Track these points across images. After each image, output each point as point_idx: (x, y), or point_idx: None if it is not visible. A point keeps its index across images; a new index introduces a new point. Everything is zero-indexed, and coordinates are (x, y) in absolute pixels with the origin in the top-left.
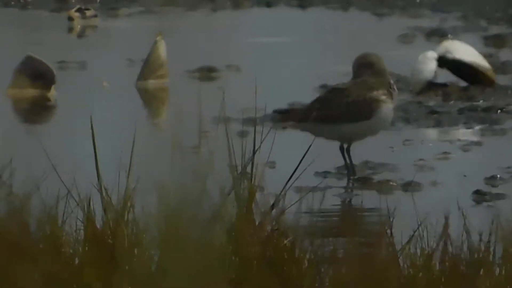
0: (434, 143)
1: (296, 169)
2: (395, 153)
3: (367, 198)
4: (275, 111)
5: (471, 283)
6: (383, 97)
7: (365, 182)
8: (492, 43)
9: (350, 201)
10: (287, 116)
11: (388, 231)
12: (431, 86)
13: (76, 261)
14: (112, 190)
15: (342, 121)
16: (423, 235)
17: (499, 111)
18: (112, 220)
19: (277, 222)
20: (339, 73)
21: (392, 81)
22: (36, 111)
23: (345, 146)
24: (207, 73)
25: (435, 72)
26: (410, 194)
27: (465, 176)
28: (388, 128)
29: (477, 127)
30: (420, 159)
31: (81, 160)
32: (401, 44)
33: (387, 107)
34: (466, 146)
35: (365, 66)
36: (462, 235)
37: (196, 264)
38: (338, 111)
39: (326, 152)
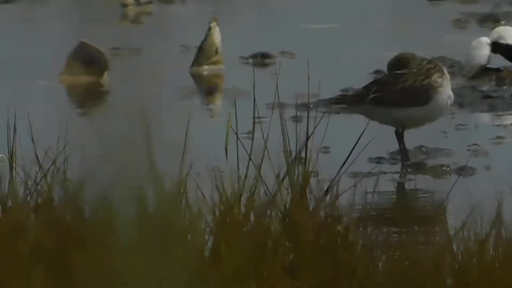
0: (488, 128)
1: (350, 154)
2: (448, 138)
3: (421, 183)
4: (330, 98)
5: None
6: (440, 81)
7: (418, 167)
8: None
9: (404, 186)
10: (343, 99)
11: (442, 216)
12: (484, 71)
13: (128, 249)
14: (166, 175)
15: (398, 105)
16: (477, 220)
17: None
18: (166, 206)
19: (331, 208)
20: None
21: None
22: (89, 97)
23: (400, 130)
24: (261, 60)
25: (489, 57)
26: (464, 179)
27: None
28: (446, 115)
29: None
30: (474, 144)
31: (135, 146)
32: (454, 30)
33: (445, 93)
34: None
35: (399, 66)
36: None
37: (251, 250)
38: (394, 95)
39: (380, 138)
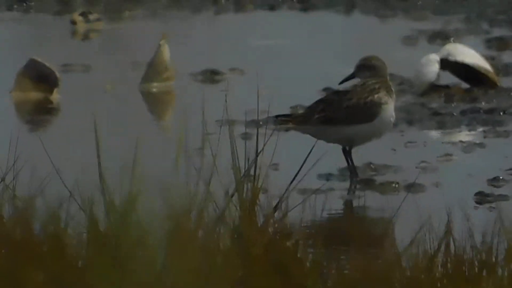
0: (436, 145)
1: (299, 171)
2: (397, 155)
3: (370, 200)
4: (277, 116)
5: (474, 284)
6: (385, 99)
7: (368, 184)
8: (494, 45)
9: (353, 203)
10: (289, 120)
11: (391, 232)
12: (433, 88)
13: (80, 264)
14: (115, 192)
15: (344, 123)
16: (425, 236)
17: (501, 113)
18: (116, 222)
19: (280, 224)
20: (343, 75)
21: (390, 83)
22: (39, 114)
23: (347, 148)
24: (211, 76)
25: (438, 74)
26: (413, 196)
27: (469, 175)
28: (391, 130)
29: (480, 129)
30: (423, 161)
31: (85, 163)
32: (404, 46)
33: (390, 109)
34: (469, 148)
35: (367, 69)
36: (465, 236)
37: (201, 266)
38: (339, 113)
39: (329, 154)
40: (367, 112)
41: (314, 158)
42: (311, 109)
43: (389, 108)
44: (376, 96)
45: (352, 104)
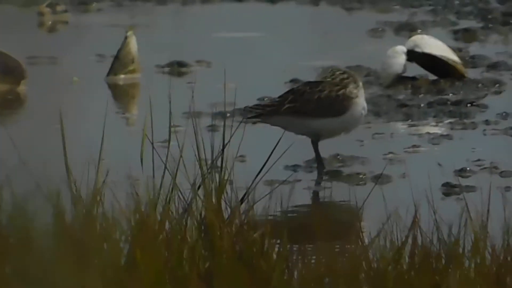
0: (403, 136)
1: (266, 162)
2: (365, 146)
3: (337, 191)
4: (246, 108)
5: (441, 276)
6: (355, 92)
7: (334, 175)
8: (461, 37)
9: (319, 194)
10: (257, 112)
11: (358, 224)
12: (400, 79)
13: (46, 256)
14: (81, 184)
15: (314, 115)
16: (392, 228)
17: (468, 104)
18: (82, 214)
19: (247, 216)
20: (310, 67)
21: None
22: (5, 105)
23: (315, 140)
24: (177, 68)
25: (405, 66)
26: (380, 187)
27: (439, 165)
28: (360, 125)
29: (447, 121)
30: (390, 152)
31: (51, 155)
32: (371, 39)
33: (360, 104)
34: (436, 139)
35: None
36: (432, 228)
37: (167, 258)
38: (310, 105)
39: (296, 146)
40: (338, 105)
41: (281, 150)
42: (281, 98)
43: (360, 102)
44: (347, 89)
45: (323, 96)
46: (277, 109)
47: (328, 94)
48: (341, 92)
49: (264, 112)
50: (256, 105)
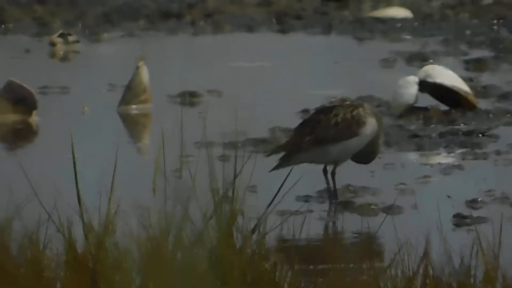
0: (415, 167)
1: (277, 193)
2: (376, 177)
3: (348, 222)
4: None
5: None
6: (368, 113)
7: (346, 206)
8: (473, 67)
9: (331, 224)
10: (286, 159)
11: (370, 254)
12: (412, 110)
13: (58, 286)
14: (93, 214)
15: (336, 141)
16: (404, 258)
17: (480, 135)
18: (93, 244)
19: (258, 246)
20: (321, 97)
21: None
22: (17, 136)
23: (330, 169)
24: (189, 98)
25: (416, 96)
26: (391, 218)
27: (448, 197)
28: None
29: (458, 151)
30: (401, 183)
31: (63, 185)
32: (382, 69)
33: (373, 122)
34: (447, 170)
35: None
36: (443, 259)
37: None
38: (329, 131)
39: (307, 176)
40: (355, 125)
41: (293, 180)
42: (298, 132)
43: (374, 121)
44: (360, 109)
45: (340, 120)
46: (299, 146)
47: (344, 117)
48: (355, 112)
49: (287, 152)
50: (277, 147)
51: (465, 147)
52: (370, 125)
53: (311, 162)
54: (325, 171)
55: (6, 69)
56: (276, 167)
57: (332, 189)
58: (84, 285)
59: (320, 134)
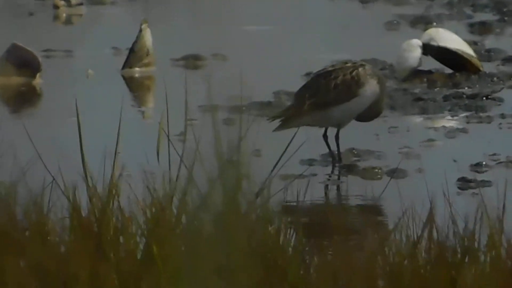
0: (419, 130)
1: (281, 156)
2: (380, 140)
3: (352, 185)
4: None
5: (456, 270)
6: (370, 72)
7: (350, 169)
8: (477, 30)
9: (336, 188)
10: (284, 122)
11: (374, 218)
12: (416, 73)
13: (62, 249)
14: (97, 178)
15: (336, 103)
16: (408, 223)
17: (484, 98)
18: (98, 208)
19: (263, 210)
20: (325, 60)
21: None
22: (21, 99)
23: (334, 132)
24: (193, 62)
25: (420, 59)
26: (396, 181)
27: (454, 161)
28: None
29: (463, 114)
30: (406, 146)
31: (67, 148)
32: (386, 32)
33: (374, 83)
34: (451, 133)
35: None
36: (448, 223)
37: (182, 252)
38: (330, 95)
39: (311, 140)
40: (355, 86)
41: (297, 144)
42: (298, 97)
43: (374, 81)
44: (360, 69)
45: (340, 82)
46: (300, 110)
47: (343, 79)
48: (354, 72)
49: (287, 117)
50: (277, 114)
51: (470, 111)
52: (371, 86)
53: (313, 125)
54: (325, 136)
55: (9, 32)
56: (278, 129)
57: (335, 152)
58: (89, 249)
59: (320, 98)
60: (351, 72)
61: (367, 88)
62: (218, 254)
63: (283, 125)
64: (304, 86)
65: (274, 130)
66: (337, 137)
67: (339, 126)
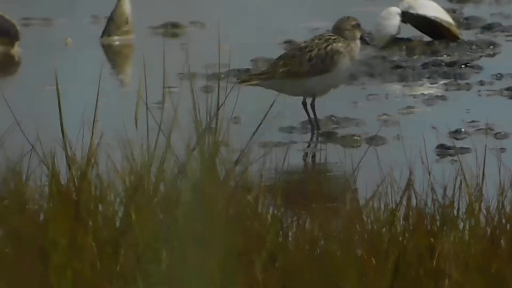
0: (398, 98)
1: (260, 124)
2: (359, 108)
3: (331, 153)
4: (239, 79)
5: (435, 237)
6: (342, 49)
7: (329, 137)
8: None
9: (314, 156)
10: (252, 78)
11: (352, 186)
12: (395, 41)
13: (41, 217)
14: (76, 146)
15: (307, 75)
16: (387, 190)
17: (463, 65)
18: (77, 176)
19: (241, 178)
20: (304, 28)
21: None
22: (0, 67)
23: (309, 101)
24: (171, 29)
25: (399, 27)
26: (375, 149)
27: (433, 128)
28: (346, 81)
29: (441, 82)
30: (384, 114)
31: (45, 116)
32: (364, 0)
33: (347, 59)
34: (430, 100)
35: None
36: (426, 190)
37: (161, 220)
38: (303, 66)
39: (291, 108)
40: (328, 61)
41: (276, 112)
42: (273, 65)
43: (347, 59)
44: (334, 44)
45: (314, 55)
46: (272, 75)
47: (317, 52)
48: (329, 47)
49: (259, 79)
50: (251, 74)
51: (448, 78)
52: (344, 61)
53: (283, 92)
54: (304, 103)
55: None
56: (242, 82)
57: (313, 120)
58: (67, 217)
59: (293, 67)
60: (325, 47)
61: (341, 63)
62: (196, 222)
63: (249, 81)
64: (280, 56)
65: (238, 82)
66: (312, 106)
67: (313, 96)
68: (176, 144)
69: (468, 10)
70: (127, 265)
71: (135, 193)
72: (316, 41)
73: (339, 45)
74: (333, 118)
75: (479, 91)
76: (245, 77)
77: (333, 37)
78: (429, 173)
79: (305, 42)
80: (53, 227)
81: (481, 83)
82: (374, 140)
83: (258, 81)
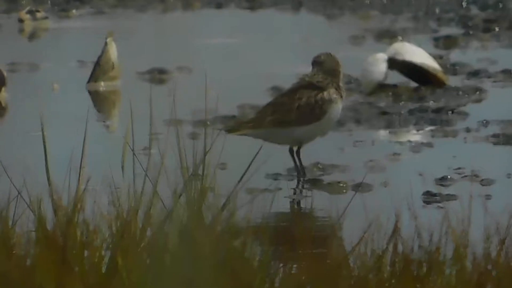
0: (384, 144)
1: (247, 170)
2: (345, 154)
3: (317, 200)
4: (226, 128)
5: (422, 283)
6: (334, 97)
7: (315, 184)
8: (442, 44)
9: (300, 203)
10: (240, 126)
11: (339, 232)
12: (381, 87)
13: (28, 262)
14: (63, 191)
15: (296, 124)
16: (374, 236)
17: (449, 112)
18: (63, 221)
19: (228, 223)
20: (290, 74)
21: (341, 84)
22: None
23: (295, 148)
24: (158, 75)
25: (386, 73)
26: (361, 195)
27: (420, 175)
28: (333, 128)
29: (428, 128)
30: (371, 160)
31: (32, 162)
32: (351, 46)
33: (337, 107)
34: (417, 147)
35: (317, 64)
36: (413, 236)
37: (148, 265)
38: (291, 114)
39: (277, 154)
40: (317, 110)
41: (262, 158)
42: (261, 112)
43: (338, 106)
44: (325, 93)
45: (303, 104)
46: (260, 123)
47: (307, 101)
48: (319, 96)
49: (246, 127)
50: (238, 123)
51: (435, 125)
52: (334, 110)
53: (271, 141)
54: (291, 150)
55: None
56: (231, 131)
57: (299, 167)
58: (54, 262)
59: (282, 116)
60: (315, 95)
61: (331, 113)
62: (183, 267)
63: (238, 131)
64: (268, 103)
65: (226, 131)
66: (298, 153)
67: (299, 144)
68: (162, 190)
69: (454, 55)
70: None
71: (122, 238)
72: (306, 87)
73: (331, 92)
74: (319, 165)
75: (465, 137)
76: (232, 125)
77: (322, 84)
78: (416, 219)
79: (294, 86)
80: (40, 272)
81: (467, 129)
82: (360, 187)
83: (246, 130)
